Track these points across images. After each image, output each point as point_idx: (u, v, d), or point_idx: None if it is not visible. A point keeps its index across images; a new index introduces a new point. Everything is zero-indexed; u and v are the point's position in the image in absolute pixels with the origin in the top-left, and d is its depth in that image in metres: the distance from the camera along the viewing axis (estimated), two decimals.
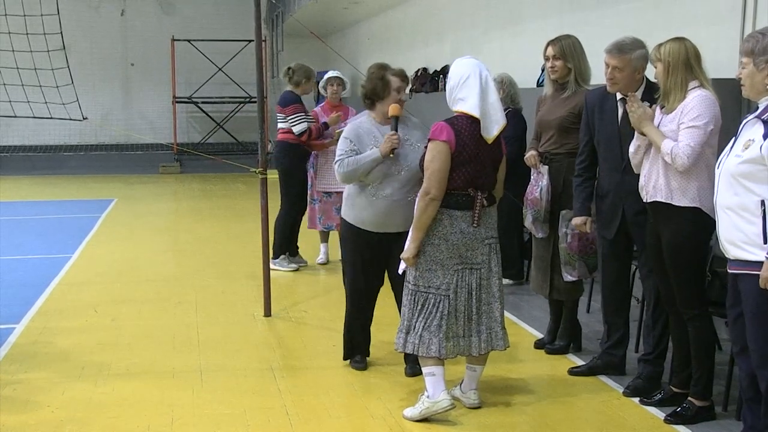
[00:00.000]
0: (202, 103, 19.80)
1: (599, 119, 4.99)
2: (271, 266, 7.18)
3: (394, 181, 5.00)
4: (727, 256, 3.86)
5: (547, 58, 5.52)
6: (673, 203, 4.35)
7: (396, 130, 4.98)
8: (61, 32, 14.57)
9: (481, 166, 4.51)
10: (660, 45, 4.39)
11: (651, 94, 4.63)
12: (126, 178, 17.35)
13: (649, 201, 4.47)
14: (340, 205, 5.41)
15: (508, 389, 5.03)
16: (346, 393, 5.03)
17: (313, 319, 6.66)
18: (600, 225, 5.08)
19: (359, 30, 17.23)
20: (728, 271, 3.89)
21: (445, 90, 4.66)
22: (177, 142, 19.10)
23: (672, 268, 4.42)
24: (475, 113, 4.44)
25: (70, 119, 13.90)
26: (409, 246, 4.53)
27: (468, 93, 4.48)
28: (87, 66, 19.53)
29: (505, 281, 6.88)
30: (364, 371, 5.33)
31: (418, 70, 12.51)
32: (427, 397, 4.50)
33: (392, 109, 5.01)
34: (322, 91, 8.66)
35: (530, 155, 5.65)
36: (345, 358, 5.42)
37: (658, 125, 4.40)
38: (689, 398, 4.54)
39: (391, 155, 4.95)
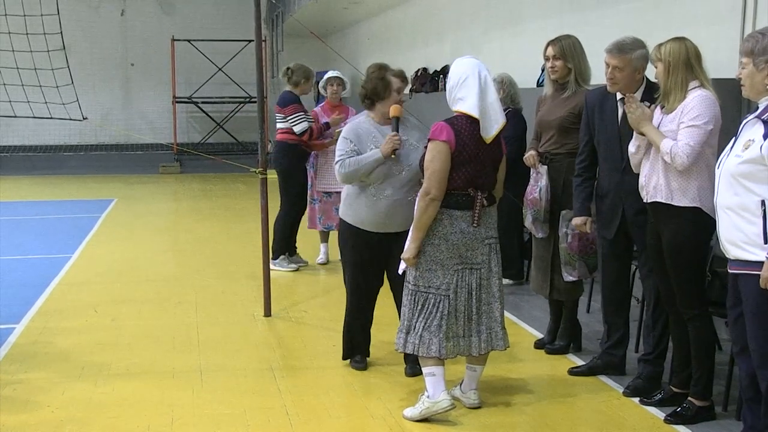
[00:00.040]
0: (202, 103, 19.80)
1: (599, 119, 4.99)
2: (271, 267, 7.17)
3: (395, 181, 5.00)
4: (727, 256, 3.86)
5: (547, 58, 5.52)
6: (673, 203, 4.35)
7: (397, 131, 4.98)
8: (61, 32, 14.57)
9: (481, 165, 4.51)
10: (660, 45, 4.39)
11: (651, 94, 4.63)
12: (126, 178, 17.35)
13: (649, 201, 4.47)
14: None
15: (508, 389, 5.03)
16: (346, 393, 5.03)
17: (313, 319, 6.66)
18: (600, 225, 5.08)
19: (359, 30, 17.23)
20: (729, 271, 3.89)
21: (445, 90, 4.66)
22: (177, 142, 19.09)
23: (672, 268, 4.42)
24: (474, 113, 4.44)
25: (70, 119, 13.88)
26: (409, 246, 4.53)
27: (466, 93, 4.48)
28: (87, 66, 19.52)
29: (505, 281, 6.88)
30: (364, 371, 5.33)
31: (418, 70, 12.51)
32: (428, 397, 4.50)
33: (393, 109, 5.01)
34: (322, 91, 8.67)
35: (529, 155, 5.65)
36: (344, 358, 5.42)
37: (658, 125, 4.40)
38: (689, 398, 4.55)
39: (393, 156, 4.95)
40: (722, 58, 5.34)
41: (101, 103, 20.02)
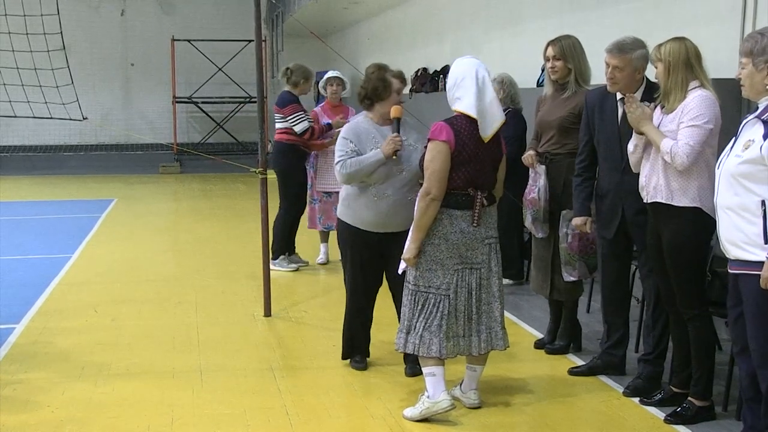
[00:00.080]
0: (202, 103, 19.80)
1: (599, 119, 4.99)
2: (271, 267, 7.17)
3: (396, 181, 5.01)
4: (727, 256, 3.86)
5: (547, 59, 5.52)
6: (673, 203, 4.35)
7: (398, 132, 4.98)
8: (61, 32, 14.57)
9: (480, 165, 4.51)
10: (660, 45, 4.39)
11: (651, 94, 4.63)
12: (126, 178, 17.35)
13: (649, 201, 4.47)
14: None
15: (508, 389, 5.03)
16: (346, 393, 5.03)
17: (313, 319, 6.66)
18: (599, 225, 5.08)
19: (359, 30, 17.23)
20: (729, 271, 3.89)
21: (445, 90, 4.67)
22: (177, 142, 19.09)
23: (672, 268, 4.42)
24: (472, 113, 4.44)
25: (70, 119, 13.88)
26: (409, 246, 4.53)
27: (463, 93, 4.48)
28: (87, 66, 19.53)
29: (505, 281, 6.88)
30: (364, 371, 5.33)
31: (418, 70, 12.50)
32: (428, 397, 4.50)
33: (394, 110, 5.01)
34: (322, 91, 8.67)
35: (527, 155, 5.65)
36: (344, 358, 5.42)
37: (659, 125, 4.40)
38: (689, 398, 4.54)
39: (394, 157, 4.95)
40: (722, 58, 5.34)
41: (101, 103, 20.02)
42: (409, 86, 11.77)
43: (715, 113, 4.29)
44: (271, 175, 7.27)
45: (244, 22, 17.99)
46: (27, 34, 14.51)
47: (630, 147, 4.57)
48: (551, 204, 5.49)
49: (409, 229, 4.59)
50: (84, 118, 13.16)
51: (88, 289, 7.58)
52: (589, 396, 4.94)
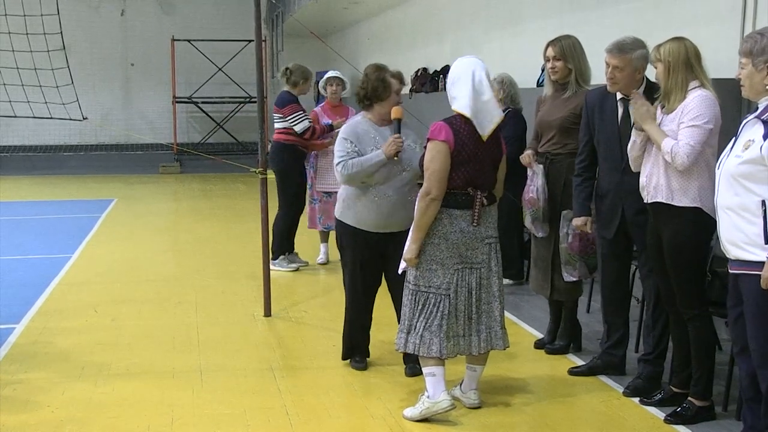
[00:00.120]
0: (202, 103, 19.80)
1: (599, 119, 4.99)
2: (271, 267, 7.17)
3: (397, 181, 5.01)
4: (727, 256, 3.86)
5: (547, 59, 5.52)
6: (673, 203, 4.35)
7: (399, 133, 4.98)
8: (61, 32, 14.58)
9: (480, 165, 4.51)
10: (660, 45, 4.39)
11: (651, 94, 4.63)
12: (126, 178, 17.35)
13: (649, 201, 4.47)
14: None
15: (508, 389, 5.03)
16: (346, 393, 5.03)
17: (313, 319, 6.66)
18: (599, 225, 5.08)
19: (359, 30, 17.23)
20: (729, 271, 3.89)
21: (445, 90, 4.67)
22: (177, 142, 19.10)
23: (672, 268, 4.42)
24: (466, 112, 4.44)
25: (70, 119, 13.90)
26: (410, 246, 4.53)
27: (459, 92, 4.48)
28: (87, 66, 19.54)
29: (505, 281, 6.87)
30: (364, 371, 5.33)
31: (418, 70, 12.50)
32: (428, 397, 4.50)
33: (395, 111, 5.01)
34: (322, 91, 8.68)
35: (525, 154, 5.64)
36: (344, 358, 5.42)
37: (659, 125, 4.40)
38: (689, 398, 4.54)
39: (396, 158, 4.95)
40: (722, 58, 5.34)
41: (101, 103, 20.03)
42: (409, 86, 11.78)
43: (715, 113, 4.29)
44: (271, 175, 7.28)
45: (244, 22, 17.99)
46: (27, 34, 14.52)
47: (629, 144, 4.57)
48: (551, 203, 5.49)
49: (408, 229, 4.59)
50: (84, 118, 13.17)
51: (88, 289, 7.58)
52: (589, 396, 4.94)
